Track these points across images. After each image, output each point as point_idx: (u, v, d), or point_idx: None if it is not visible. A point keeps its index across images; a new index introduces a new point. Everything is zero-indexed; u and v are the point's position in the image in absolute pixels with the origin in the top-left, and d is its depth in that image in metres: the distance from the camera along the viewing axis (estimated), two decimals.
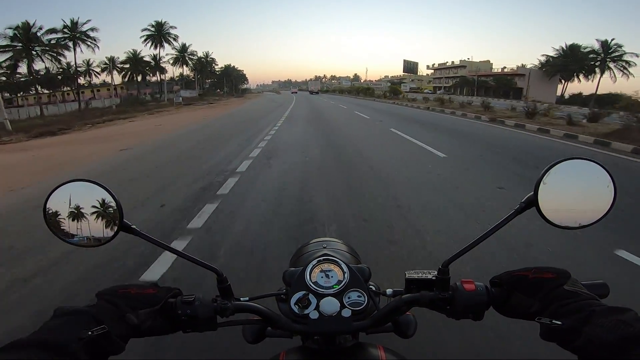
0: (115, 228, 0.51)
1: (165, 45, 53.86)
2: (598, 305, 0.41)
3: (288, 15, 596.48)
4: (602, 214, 0.50)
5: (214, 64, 79.67)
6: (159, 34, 52.30)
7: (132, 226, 0.52)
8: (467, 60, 64.52)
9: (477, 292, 0.50)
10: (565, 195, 0.50)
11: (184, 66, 64.39)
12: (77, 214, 0.51)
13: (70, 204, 0.51)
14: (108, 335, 0.41)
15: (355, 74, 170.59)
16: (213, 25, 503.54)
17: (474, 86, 52.23)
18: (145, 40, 52.20)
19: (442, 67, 71.96)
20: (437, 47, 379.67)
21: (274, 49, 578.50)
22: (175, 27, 53.76)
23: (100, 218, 0.51)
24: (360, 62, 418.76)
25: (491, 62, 63.27)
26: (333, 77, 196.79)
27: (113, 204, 0.51)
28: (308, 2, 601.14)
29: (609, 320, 0.37)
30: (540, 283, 0.47)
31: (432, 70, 77.57)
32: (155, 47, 52.74)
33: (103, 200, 0.51)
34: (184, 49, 63.67)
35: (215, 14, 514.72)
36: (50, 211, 0.51)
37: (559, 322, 0.40)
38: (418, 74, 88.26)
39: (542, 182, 0.49)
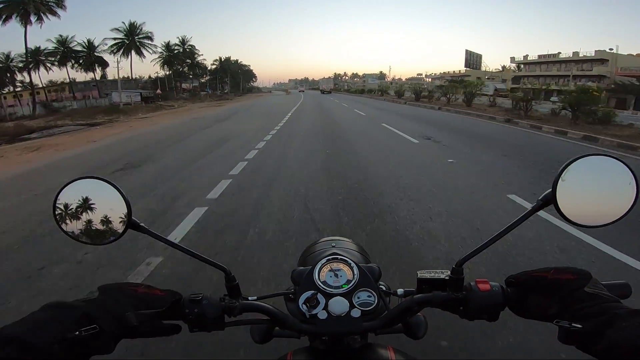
0: (124, 226, 0.51)
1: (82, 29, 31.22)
2: (621, 308, 0.39)
3: (306, 12, 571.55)
4: (623, 212, 0.47)
5: (196, 54, 57.15)
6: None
7: (140, 224, 0.51)
8: (609, 51, 38.89)
9: (492, 293, 0.49)
10: (585, 193, 0.48)
11: (129, 54, 41.70)
12: (86, 212, 0.51)
13: (79, 202, 0.51)
14: (98, 336, 0.38)
15: (381, 72, 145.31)
16: (227, 19, 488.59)
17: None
18: None
19: (547, 61, 46.20)
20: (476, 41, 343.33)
21: (293, 47, 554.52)
22: None
23: (108, 216, 0.51)
24: (386, 60, 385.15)
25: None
26: (355, 75, 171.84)
27: (122, 201, 0.51)
28: None
29: (633, 323, 0.36)
30: (559, 284, 0.45)
31: (512, 65, 52.70)
32: (23, 23, 28.51)
33: (112, 198, 0.51)
34: (132, 29, 41.48)
35: (231, 8, 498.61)
36: (60, 208, 0.51)
37: (579, 326, 0.39)
38: (482, 69, 63.72)
39: (560, 178, 0.47)
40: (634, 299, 0.45)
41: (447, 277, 0.53)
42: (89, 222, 0.51)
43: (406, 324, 0.56)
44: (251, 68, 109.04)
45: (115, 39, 40.69)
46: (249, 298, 0.56)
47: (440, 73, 75.99)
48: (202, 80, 70.19)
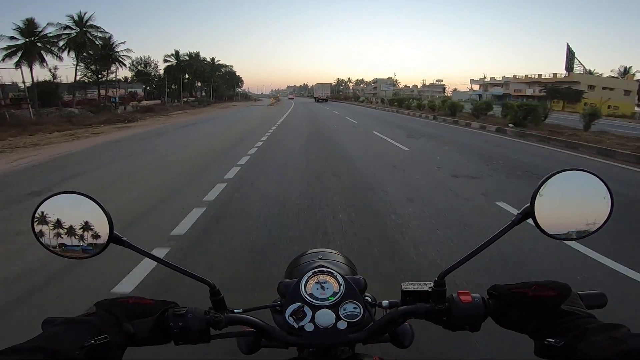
0: (106, 240, 0.51)
1: None
2: (592, 323, 0.42)
3: (306, 18, 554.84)
4: (598, 225, 0.49)
5: (112, 44, 33.75)
6: None
7: (122, 238, 0.52)
8: None
9: (473, 304, 0.51)
10: (562, 207, 0.50)
11: None
12: (67, 226, 0.51)
13: (59, 216, 0.51)
14: (107, 345, 0.42)
15: (390, 77, 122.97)
16: (224, 24, 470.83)
17: None
18: None
19: None
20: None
21: (292, 54, 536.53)
22: None
23: (90, 230, 0.51)
24: (389, 66, 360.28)
25: None
26: (360, 82, 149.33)
27: (103, 215, 0.51)
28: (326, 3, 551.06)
29: (602, 337, 0.38)
30: (539, 301, 0.47)
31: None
32: None
33: (92, 212, 0.51)
34: None
35: (231, 12, 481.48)
36: (39, 223, 0.51)
37: (553, 340, 0.41)
38: (574, 70, 41.31)
39: (538, 193, 0.49)
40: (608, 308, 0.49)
41: (430, 289, 0.54)
42: (70, 236, 0.51)
43: (393, 334, 0.59)
44: (234, 69, 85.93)
45: None
46: (235, 310, 0.56)
47: (499, 77, 52.45)
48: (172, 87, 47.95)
